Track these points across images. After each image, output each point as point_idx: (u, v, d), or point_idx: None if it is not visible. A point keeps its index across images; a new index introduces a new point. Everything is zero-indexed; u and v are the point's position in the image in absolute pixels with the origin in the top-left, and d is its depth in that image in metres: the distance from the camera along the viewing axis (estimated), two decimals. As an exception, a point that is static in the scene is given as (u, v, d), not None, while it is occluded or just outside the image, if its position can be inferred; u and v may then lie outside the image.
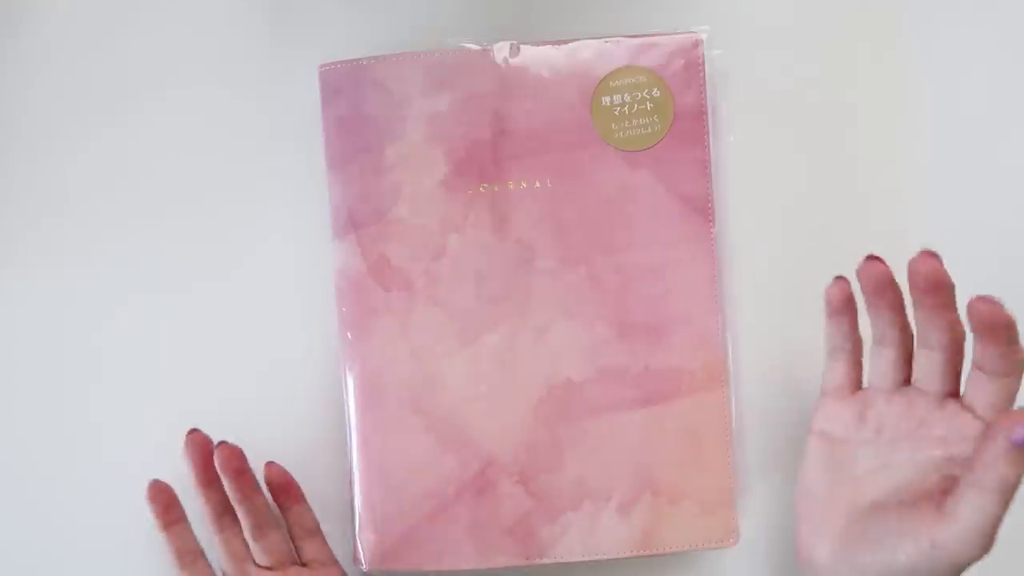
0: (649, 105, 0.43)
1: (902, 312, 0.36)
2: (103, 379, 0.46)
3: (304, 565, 0.43)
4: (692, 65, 0.44)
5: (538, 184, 0.44)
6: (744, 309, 0.45)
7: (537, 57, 0.43)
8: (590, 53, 0.43)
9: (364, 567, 0.43)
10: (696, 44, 0.44)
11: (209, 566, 0.43)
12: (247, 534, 0.42)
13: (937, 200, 0.47)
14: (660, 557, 0.45)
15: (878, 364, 0.37)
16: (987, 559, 0.32)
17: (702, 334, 0.43)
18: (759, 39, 0.47)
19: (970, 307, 0.32)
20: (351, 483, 0.43)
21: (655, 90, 0.43)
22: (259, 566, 0.42)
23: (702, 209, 0.43)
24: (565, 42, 0.43)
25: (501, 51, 0.43)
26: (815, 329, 0.46)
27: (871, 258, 0.35)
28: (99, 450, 0.46)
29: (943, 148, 0.47)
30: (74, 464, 0.46)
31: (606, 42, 0.43)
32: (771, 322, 0.46)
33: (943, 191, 0.47)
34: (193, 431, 0.42)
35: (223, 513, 0.42)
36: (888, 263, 0.35)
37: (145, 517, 0.42)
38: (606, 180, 0.43)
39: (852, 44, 0.47)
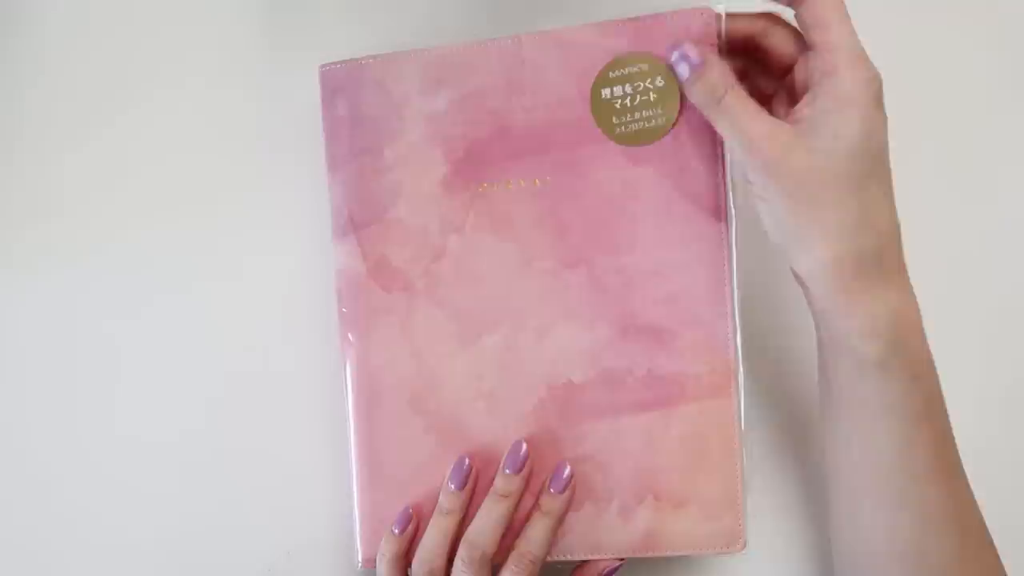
0: (652, 96, 0.42)
1: None
2: (102, 380, 0.47)
3: None
4: (702, 47, 0.41)
5: (538, 183, 0.43)
6: (755, 312, 0.43)
7: (536, 54, 0.42)
8: (589, 41, 0.42)
9: (364, 567, 0.43)
10: (708, 22, 0.41)
11: None
12: None
13: (940, 197, 0.45)
14: (666, 562, 0.44)
15: None
16: None
17: (710, 338, 0.42)
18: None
19: None
20: (351, 483, 0.43)
21: (659, 79, 0.41)
22: None
23: (713, 207, 0.41)
24: (563, 32, 0.42)
25: (499, 47, 0.42)
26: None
27: None
28: (95, 449, 0.47)
29: (947, 145, 0.45)
30: (72, 462, 0.47)
31: (604, 26, 0.41)
32: (776, 326, 0.44)
33: (946, 188, 0.45)
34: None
35: None
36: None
37: (146, 513, 0.43)
38: (607, 178, 0.42)
39: (875, 19, 0.44)
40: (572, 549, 0.42)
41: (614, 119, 0.42)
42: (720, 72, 0.39)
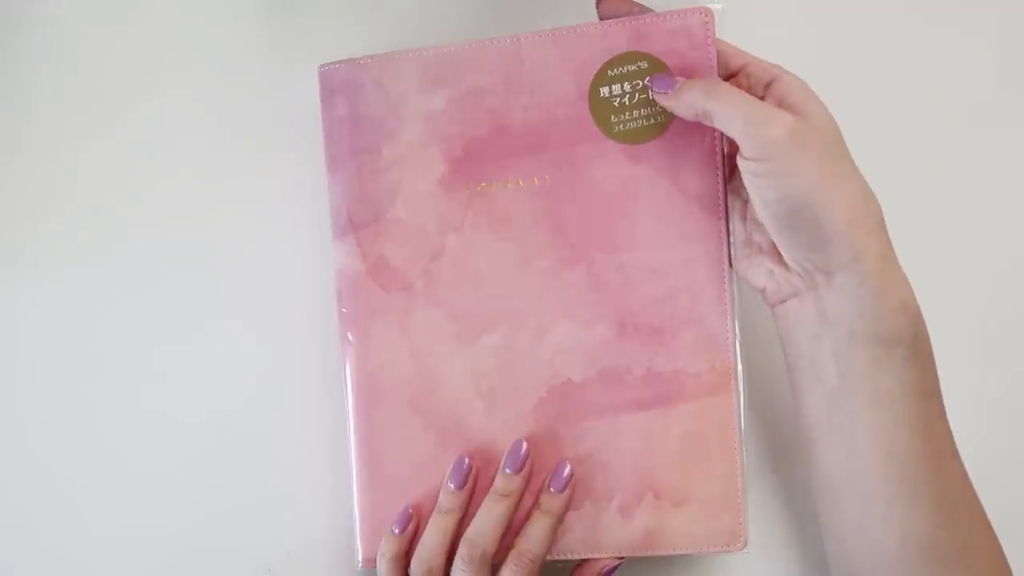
0: (651, 94, 0.42)
1: None
2: (102, 379, 0.47)
3: None
4: (700, 46, 0.41)
5: (536, 182, 0.43)
6: (754, 309, 0.43)
7: (534, 52, 0.42)
8: (587, 40, 0.42)
9: (364, 567, 0.43)
10: (705, 22, 0.41)
11: None
12: None
13: (945, 194, 0.45)
14: (667, 560, 0.44)
15: None
16: None
17: (710, 336, 0.42)
18: (777, 14, 0.44)
19: None
20: (351, 483, 0.43)
21: (658, 78, 0.42)
22: None
23: (711, 205, 0.42)
24: (562, 31, 0.42)
25: (498, 46, 0.42)
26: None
27: None
28: (96, 449, 0.47)
29: (952, 141, 0.45)
30: (72, 462, 0.47)
31: (603, 25, 0.42)
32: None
33: (952, 185, 0.45)
34: None
35: None
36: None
37: (142, 514, 0.43)
38: (606, 177, 0.42)
39: (878, 20, 0.45)
40: (572, 548, 0.42)
41: (613, 117, 0.42)
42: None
